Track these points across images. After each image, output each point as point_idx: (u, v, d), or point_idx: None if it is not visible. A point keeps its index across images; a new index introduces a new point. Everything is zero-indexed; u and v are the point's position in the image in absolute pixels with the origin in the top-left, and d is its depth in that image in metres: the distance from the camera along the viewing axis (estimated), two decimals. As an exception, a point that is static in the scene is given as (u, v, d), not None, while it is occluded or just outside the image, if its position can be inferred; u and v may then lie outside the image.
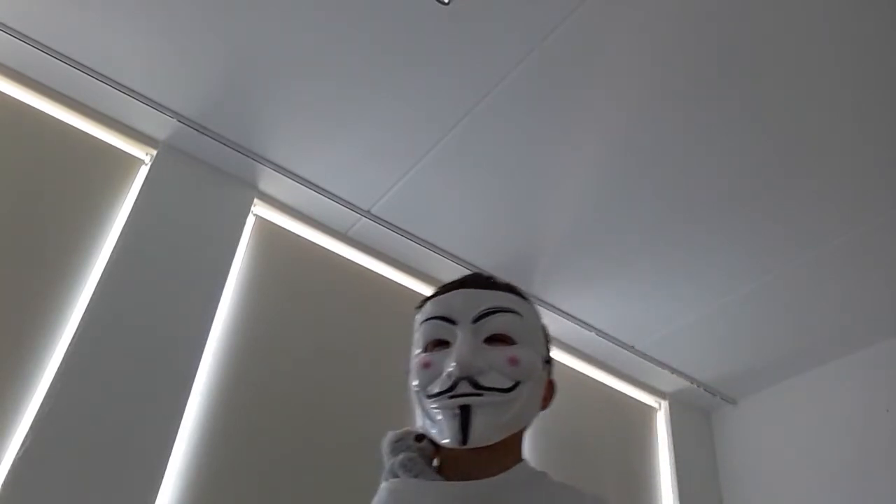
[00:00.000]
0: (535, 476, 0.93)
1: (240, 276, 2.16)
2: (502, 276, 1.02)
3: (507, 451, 0.91)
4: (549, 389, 0.99)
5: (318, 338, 2.22)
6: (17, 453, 1.60)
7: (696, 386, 2.93)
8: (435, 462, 0.94)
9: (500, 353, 0.91)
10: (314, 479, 2.00)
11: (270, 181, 2.28)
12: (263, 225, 2.32)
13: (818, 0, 1.68)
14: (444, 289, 1.01)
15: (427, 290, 2.53)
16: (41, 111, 2.04)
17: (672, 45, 1.81)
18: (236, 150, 2.18)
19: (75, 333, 1.78)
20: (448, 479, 0.91)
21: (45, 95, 2.04)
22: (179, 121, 2.10)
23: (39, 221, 1.90)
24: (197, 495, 1.82)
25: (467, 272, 2.46)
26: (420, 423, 0.94)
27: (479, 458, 0.88)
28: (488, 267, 2.52)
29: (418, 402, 0.94)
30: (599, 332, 2.69)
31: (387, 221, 2.38)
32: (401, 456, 0.94)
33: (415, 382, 0.95)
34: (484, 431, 0.86)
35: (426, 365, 0.94)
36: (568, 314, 2.62)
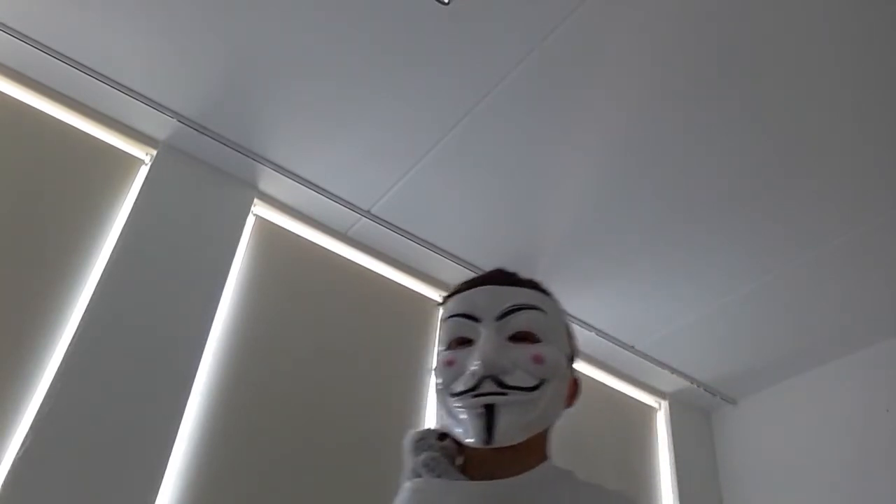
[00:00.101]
0: (561, 475, 0.92)
1: (240, 276, 2.16)
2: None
3: (531, 450, 0.90)
4: (574, 387, 0.98)
5: (318, 338, 2.22)
6: (17, 453, 1.60)
7: (696, 386, 2.94)
8: (458, 461, 0.93)
9: (525, 351, 0.90)
10: (314, 479, 2.00)
11: (270, 181, 2.28)
12: (263, 225, 2.32)
13: (818, 0, 1.68)
14: (467, 285, 0.99)
15: (427, 290, 2.56)
16: (41, 111, 2.04)
17: (672, 45, 1.81)
18: (236, 150, 2.18)
19: (75, 333, 1.79)
20: (472, 478, 0.89)
21: (45, 95, 2.04)
22: (179, 121, 2.11)
23: (39, 221, 1.90)
24: (197, 495, 1.82)
25: (467, 272, 2.50)
26: (443, 421, 0.92)
27: (503, 458, 0.87)
28: (488, 267, 2.51)
29: (442, 400, 0.92)
30: (599, 332, 2.69)
31: (387, 221, 2.38)
32: (423, 455, 0.92)
33: (438, 380, 0.93)
34: (509, 431, 0.86)
35: (450, 363, 0.92)
36: (568, 314, 2.61)
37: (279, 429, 2.01)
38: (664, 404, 2.99)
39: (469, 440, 0.87)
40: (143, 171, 2.13)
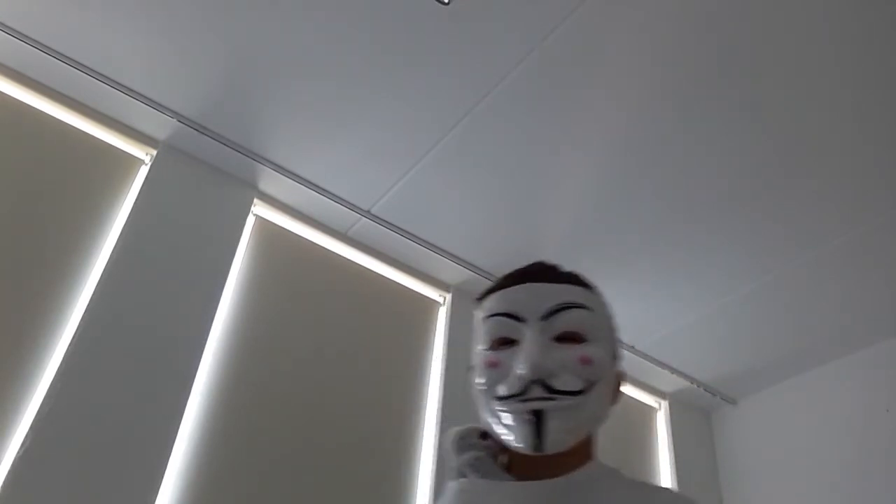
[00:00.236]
0: (608, 473, 0.90)
1: (240, 276, 2.16)
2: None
3: (577, 449, 0.88)
4: (618, 382, 0.95)
5: (318, 338, 2.22)
6: (17, 453, 1.60)
7: (696, 386, 2.94)
8: (501, 459, 0.92)
9: (571, 352, 0.87)
10: (314, 479, 2.00)
11: (270, 181, 2.28)
12: (263, 225, 2.32)
13: (818, 0, 1.68)
14: (508, 281, 0.96)
15: (427, 290, 2.56)
16: (41, 111, 2.04)
17: (672, 45, 1.81)
18: (236, 150, 2.18)
19: (75, 333, 1.79)
20: (516, 477, 0.88)
21: (45, 95, 2.04)
22: (179, 121, 2.11)
23: (39, 221, 1.90)
24: (197, 495, 1.82)
25: (467, 272, 2.50)
26: (487, 423, 0.90)
27: (549, 457, 0.85)
28: (488, 267, 2.52)
29: (484, 402, 0.89)
30: (599, 332, 2.68)
31: (387, 221, 2.38)
32: (468, 455, 0.91)
33: (480, 380, 0.90)
34: (558, 436, 0.83)
35: (493, 365, 0.89)
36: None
37: (279, 429, 2.01)
38: (664, 404, 2.99)
39: (518, 446, 0.84)
40: (143, 171, 2.13)
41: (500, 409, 0.86)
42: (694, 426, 3.02)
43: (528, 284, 0.93)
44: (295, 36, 1.89)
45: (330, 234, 2.42)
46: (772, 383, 2.87)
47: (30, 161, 1.97)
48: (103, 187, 2.05)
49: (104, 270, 1.90)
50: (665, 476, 2.81)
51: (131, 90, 2.05)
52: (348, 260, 2.45)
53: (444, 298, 2.59)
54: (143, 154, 2.16)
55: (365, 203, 2.34)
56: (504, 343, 0.90)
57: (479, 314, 0.96)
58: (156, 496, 1.72)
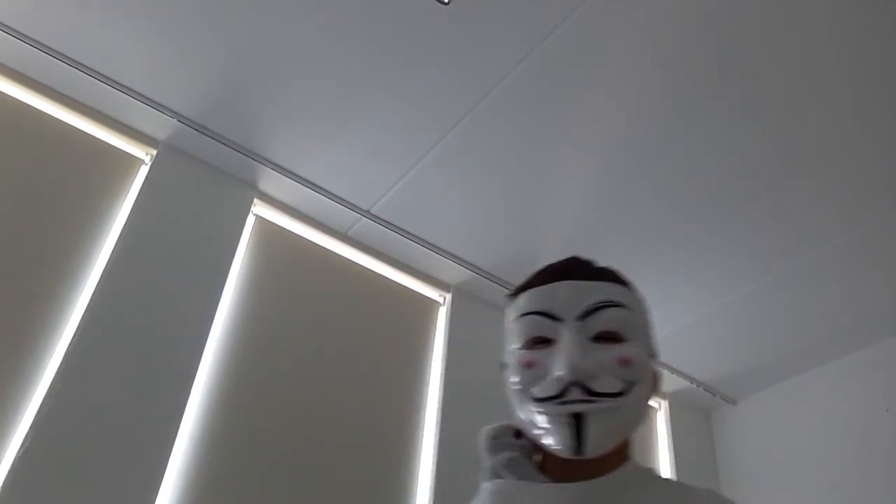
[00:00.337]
0: (644, 474, 0.89)
1: (240, 276, 2.16)
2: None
3: (614, 450, 0.86)
4: (656, 382, 0.93)
5: (318, 338, 2.22)
6: (17, 453, 1.60)
7: (696, 386, 2.93)
8: (536, 458, 0.91)
9: (610, 353, 0.85)
10: (314, 479, 2.00)
11: (270, 181, 2.28)
12: (263, 225, 2.32)
13: (818, 0, 1.68)
14: (543, 277, 0.93)
15: (427, 290, 2.56)
16: (41, 111, 2.04)
17: (672, 45, 1.81)
18: (236, 150, 2.18)
19: (75, 333, 1.79)
20: (551, 478, 0.87)
21: (45, 95, 2.04)
22: (179, 121, 2.11)
23: (39, 221, 1.90)
24: (197, 495, 1.82)
25: (467, 272, 2.50)
26: (522, 422, 0.88)
27: (586, 459, 0.83)
28: (488, 267, 2.52)
29: (520, 402, 0.87)
30: (599, 332, 2.68)
31: (387, 221, 2.38)
32: (502, 456, 0.89)
33: (514, 379, 0.88)
34: (599, 440, 0.81)
35: (529, 364, 0.86)
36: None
37: (279, 429, 2.01)
38: (664, 404, 2.99)
39: (556, 449, 0.83)
40: (143, 171, 2.13)
41: (538, 410, 0.84)
42: (694, 426, 3.02)
43: (564, 282, 0.90)
44: (295, 36, 1.89)
45: (330, 234, 2.42)
46: (772, 383, 2.87)
47: (30, 161, 1.97)
48: (103, 187, 2.05)
49: (104, 270, 1.90)
50: (665, 476, 2.80)
51: (131, 90, 2.05)
52: (348, 260, 2.45)
53: (444, 298, 2.59)
54: (143, 154, 2.16)
55: (365, 203, 2.34)
56: (539, 342, 0.88)
57: (512, 311, 0.93)
58: (156, 496, 1.72)
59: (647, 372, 0.89)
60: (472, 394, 2.39)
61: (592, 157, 2.14)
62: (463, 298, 2.58)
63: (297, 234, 2.37)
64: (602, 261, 0.98)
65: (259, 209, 2.31)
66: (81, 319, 1.81)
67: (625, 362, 0.85)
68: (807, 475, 2.61)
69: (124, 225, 2.00)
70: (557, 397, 0.83)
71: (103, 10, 1.87)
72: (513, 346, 0.91)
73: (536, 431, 0.85)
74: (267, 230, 2.31)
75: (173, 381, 1.87)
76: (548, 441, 0.83)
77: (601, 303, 0.88)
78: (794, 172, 2.07)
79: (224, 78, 2.03)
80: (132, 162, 2.14)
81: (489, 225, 2.40)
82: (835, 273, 2.35)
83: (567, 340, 0.85)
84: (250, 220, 2.28)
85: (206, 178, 2.22)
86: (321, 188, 2.29)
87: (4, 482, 1.56)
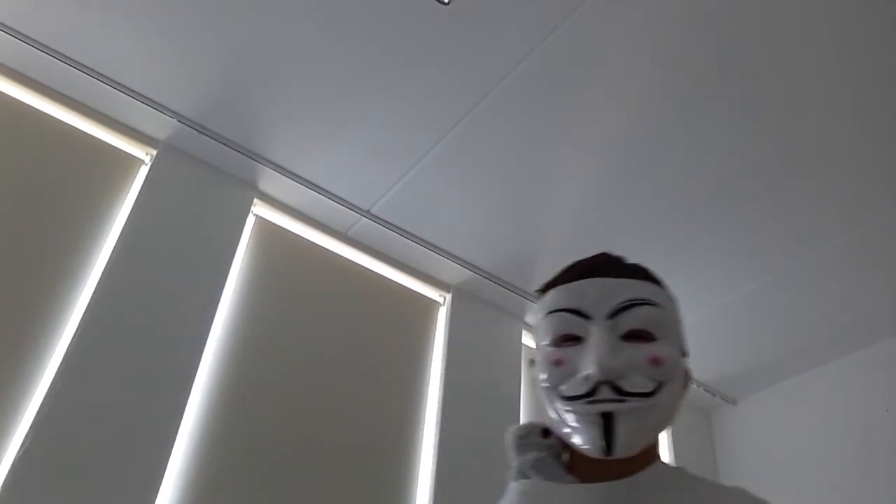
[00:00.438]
0: (674, 473, 0.89)
1: (240, 276, 2.16)
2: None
3: (644, 450, 0.85)
4: (687, 381, 0.91)
5: (318, 337, 2.22)
6: (17, 453, 1.60)
7: (696, 386, 2.94)
8: (564, 457, 0.90)
9: (641, 352, 0.83)
10: (314, 479, 2.00)
11: (270, 181, 2.28)
12: (263, 225, 2.32)
13: (818, 0, 1.68)
14: (572, 274, 0.91)
15: (427, 290, 2.56)
16: (41, 111, 2.04)
17: (672, 45, 1.81)
18: (236, 150, 2.18)
19: (75, 333, 1.79)
20: (579, 477, 0.86)
21: (45, 95, 2.04)
22: (179, 121, 2.11)
23: (39, 221, 1.90)
24: (197, 495, 1.82)
25: (467, 272, 2.50)
26: (551, 420, 0.87)
27: (614, 459, 0.82)
28: (488, 267, 2.52)
29: (549, 400, 0.86)
30: (599, 332, 2.68)
31: (387, 221, 2.38)
32: (530, 456, 0.89)
33: (543, 376, 0.87)
34: (629, 440, 0.80)
35: (558, 362, 0.85)
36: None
37: (279, 429, 2.01)
38: (664, 404, 2.99)
39: (585, 448, 0.82)
40: (143, 171, 2.13)
41: (567, 409, 0.83)
42: (694, 426, 3.02)
43: (594, 279, 0.89)
44: (295, 36, 1.89)
45: (330, 234, 2.42)
46: (772, 383, 2.87)
47: (30, 161, 1.97)
48: (103, 187, 2.05)
49: (104, 270, 1.90)
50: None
51: (131, 90, 2.05)
52: (348, 260, 2.45)
53: (444, 298, 2.59)
54: (143, 154, 2.16)
55: (365, 203, 2.34)
56: (568, 339, 0.87)
57: (541, 308, 0.92)
58: (156, 496, 1.72)
59: (679, 371, 0.87)
60: (472, 394, 2.40)
61: (592, 157, 2.14)
62: (463, 298, 2.58)
63: (297, 234, 2.37)
64: (603, 261, 0.97)
65: (259, 209, 2.31)
66: (81, 319, 1.81)
67: (656, 361, 0.83)
68: (807, 475, 2.61)
69: (124, 225, 2.00)
70: (587, 396, 0.81)
71: (103, 10, 1.87)
72: (541, 342, 0.90)
73: (565, 430, 0.84)
74: (267, 230, 2.31)
75: (173, 381, 1.87)
76: (576, 440, 0.83)
77: (631, 301, 0.86)
78: (794, 172, 2.07)
79: (224, 78, 2.03)
80: (132, 162, 2.14)
81: (489, 225, 2.40)
82: (835, 273, 2.35)
83: (597, 338, 0.84)
84: (250, 220, 2.28)
85: (206, 178, 2.22)
86: (321, 188, 2.29)
87: (4, 482, 1.56)
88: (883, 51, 1.75)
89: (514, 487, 0.89)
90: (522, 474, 0.89)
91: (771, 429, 2.84)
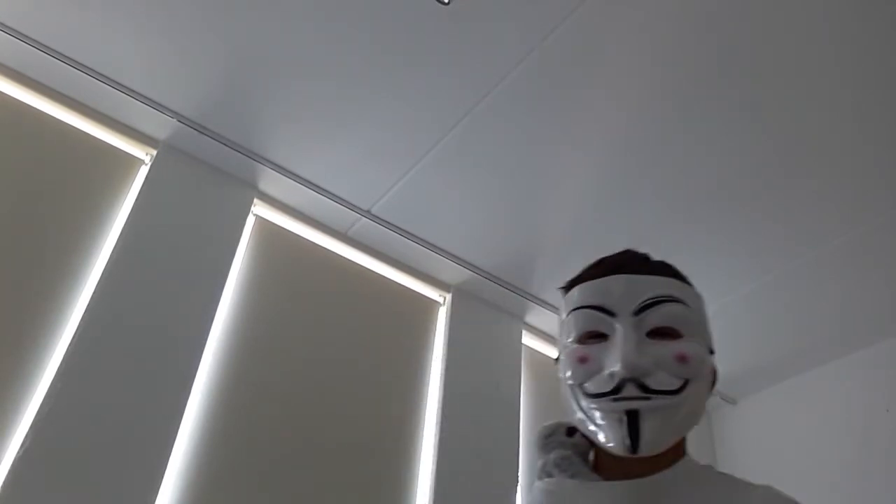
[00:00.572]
0: (701, 471, 0.88)
1: (240, 276, 2.16)
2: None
3: (670, 448, 0.84)
4: (713, 378, 0.90)
5: (318, 337, 2.22)
6: (17, 453, 1.60)
7: (696, 386, 2.93)
8: (590, 456, 0.89)
9: (667, 349, 0.83)
10: (314, 479, 2.00)
11: (270, 181, 2.28)
12: (263, 225, 2.32)
13: (818, 0, 1.68)
14: (597, 271, 0.91)
15: (427, 290, 2.56)
16: (41, 111, 2.04)
17: (672, 45, 1.81)
18: (236, 150, 2.18)
19: (75, 333, 1.79)
20: (605, 475, 0.85)
21: (45, 95, 2.04)
22: (179, 121, 2.11)
23: (39, 221, 1.90)
24: (197, 495, 1.82)
25: (467, 272, 2.50)
26: (576, 418, 0.86)
27: (640, 457, 0.81)
28: (488, 267, 2.52)
29: (573, 397, 0.86)
30: (599, 332, 2.68)
31: (387, 221, 2.38)
32: (554, 454, 0.89)
33: (568, 374, 0.86)
34: (654, 438, 0.79)
35: (582, 360, 0.85)
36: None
37: (279, 429, 2.01)
38: (664, 404, 2.99)
39: (610, 446, 0.81)
40: (143, 171, 2.13)
41: (591, 406, 0.83)
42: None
43: (619, 276, 0.89)
44: (295, 36, 1.89)
45: (330, 234, 2.42)
46: (772, 383, 2.86)
47: (30, 161, 1.97)
48: (103, 187, 2.05)
49: (104, 270, 1.90)
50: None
51: (131, 90, 2.05)
52: (348, 260, 2.44)
53: (444, 298, 2.59)
54: (143, 154, 2.16)
55: (365, 203, 2.34)
56: (593, 336, 0.86)
57: (565, 305, 0.92)
58: (156, 496, 1.72)
59: (705, 369, 0.86)
60: (472, 394, 2.40)
61: (592, 157, 2.14)
62: (463, 298, 2.58)
63: (297, 234, 2.37)
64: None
65: (259, 209, 2.31)
66: (81, 319, 1.81)
67: (682, 359, 0.82)
68: (807, 475, 2.60)
69: (124, 225, 2.00)
70: (612, 393, 0.81)
71: (103, 10, 1.87)
72: (566, 340, 0.89)
73: (590, 428, 0.83)
74: (267, 230, 2.31)
75: (173, 381, 1.87)
76: (601, 438, 0.82)
77: (657, 298, 0.86)
78: (794, 172, 2.07)
79: (224, 78, 2.03)
80: (132, 162, 2.14)
81: (489, 225, 2.40)
82: (835, 273, 2.35)
83: (622, 336, 0.83)
84: (250, 220, 2.28)
85: (206, 178, 2.22)
86: (321, 188, 2.29)
87: (4, 482, 1.56)
88: (883, 51, 1.75)
89: (537, 486, 0.89)
90: (547, 473, 0.89)
91: (771, 429, 2.84)
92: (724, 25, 1.76)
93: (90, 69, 2.00)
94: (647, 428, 0.79)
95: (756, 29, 1.76)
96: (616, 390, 0.81)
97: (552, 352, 2.74)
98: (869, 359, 2.60)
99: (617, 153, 2.11)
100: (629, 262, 0.91)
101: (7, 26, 1.90)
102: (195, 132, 2.13)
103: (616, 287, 0.87)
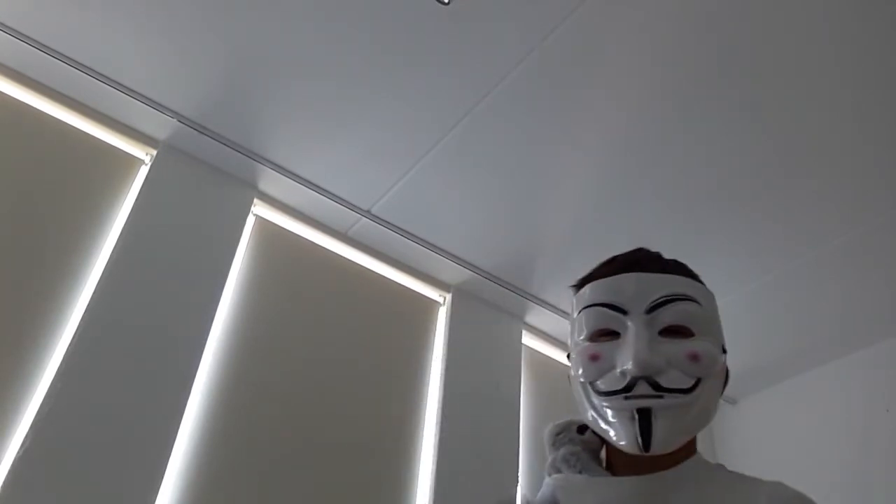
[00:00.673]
0: (710, 468, 0.88)
1: (240, 276, 2.16)
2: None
3: (681, 446, 0.84)
4: (726, 377, 0.90)
5: (318, 337, 2.22)
6: (17, 453, 1.60)
7: (696, 386, 2.93)
8: (602, 454, 0.90)
9: (679, 347, 0.83)
10: (314, 479, 2.00)
11: (270, 181, 2.28)
12: (263, 225, 2.32)
13: (818, 0, 1.68)
14: (609, 269, 0.91)
15: (427, 290, 2.56)
16: (41, 111, 2.04)
17: (672, 45, 1.81)
18: (236, 150, 2.18)
19: (75, 333, 1.79)
20: (616, 472, 0.86)
21: (45, 95, 2.04)
22: (179, 121, 2.11)
23: (39, 221, 1.90)
24: (197, 495, 1.82)
25: (467, 272, 2.50)
26: (587, 416, 0.86)
27: (652, 455, 0.81)
28: (488, 267, 2.52)
29: (585, 395, 0.86)
30: (599, 332, 2.68)
31: (387, 221, 2.38)
32: (563, 450, 0.89)
33: (579, 371, 0.86)
34: (666, 437, 0.79)
35: (594, 358, 0.85)
36: (568, 314, 2.61)
37: (279, 429, 2.01)
38: (664, 404, 2.99)
39: (621, 444, 0.81)
40: (143, 171, 2.13)
41: (603, 404, 0.83)
42: (694, 426, 3.02)
43: (631, 274, 0.89)
44: (295, 36, 1.89)
45: (330, 234, 2.42)
46: (772, 383, 2.86)
47: (30, 161, 1.97)
48: (103, 187, 2.05)
49: (104, 270, 1.90)
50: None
51: (131, 90, 2.05)
52: (348, 260, 2.44)
53: (444, 298, 2.59)
54: (143, 154, 2.16)
55: (365, 203, 2.34)
56: (604, 334, 0.86)
57: (577, 303, 0.92)
58: (156, 496, 1.72)
59: (718, 368, 0.86)
60: (472, 394, 2.40)
61: (592, 157, 2.14)
62: (463, 298, 2.58)
63: (297, 235, 2.37)
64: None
65: (259, 209, 2.31)
66: (81, 319, 1.81)
67: (694, 357, 0.82)
68: (807, 475, 2.59)
69: (124, 225, 2.00)
70: (623, 391, 0.81)
71: (103, 10, 1.87)
72: (577, 338, 0.89)
73: (602, 426, 0.83)
74: (267, 230, 2.31)
75: (173, 381, 1.87)
76: (613, 436, 0.82)
77: (669, 296, 0.86)
78: (794, 172, 2.07)
79: (224, 78, 2.03)
80: (132, 162, 2.14)
81: (489, 225, 2.40)
82: (835, 273, 2.35)
83: (633, 334, 0.83)
84: (250, 220, 2.28)
85: (206, 178, 2.22)
86: (321, 188, 2.29)
87: (4, 482, 1.56)
88: (883, 51, 1.75)
89: (546, 482, 0.89)
90: (555, 468, 0.89)
91: (771, 429, 2.84)
92: (724, 25, 1.76)
93: (90, 69, 2.00)
94: (658, 426, 0.79)
95: (756, 29, 1.76)
96: (628, 388, 0.81)
97: (552, 352, 2.74)
98: (869, 359, 2.60)
99: (617, 153, 2.11)
100: (642, 260, 0.91)
101: (7, 26, 1.91)
102: (195, 132, 2.13)
103: (628, 285, 0.87)
